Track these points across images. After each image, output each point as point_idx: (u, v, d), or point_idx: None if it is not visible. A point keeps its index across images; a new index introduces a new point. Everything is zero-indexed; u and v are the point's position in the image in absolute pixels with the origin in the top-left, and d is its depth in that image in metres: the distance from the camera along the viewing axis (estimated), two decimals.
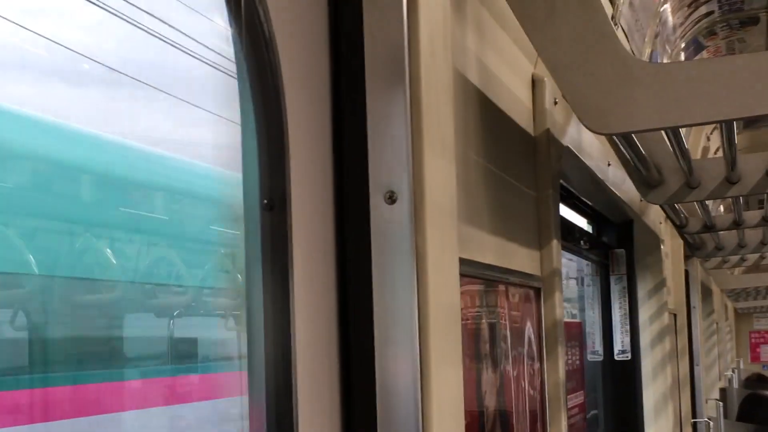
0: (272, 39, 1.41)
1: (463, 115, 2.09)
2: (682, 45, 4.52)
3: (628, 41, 3.43)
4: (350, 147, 1.53)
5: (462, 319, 1.77)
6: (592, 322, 5.15)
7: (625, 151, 3.12)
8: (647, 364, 5.27)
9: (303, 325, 1.42)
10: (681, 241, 6.58)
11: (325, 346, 1.48)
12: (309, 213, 1.47)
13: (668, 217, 5.18)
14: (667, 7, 4.13)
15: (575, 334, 4.51)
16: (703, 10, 4.39)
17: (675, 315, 6.80)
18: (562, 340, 2.85)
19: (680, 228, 5.34)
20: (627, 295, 5.23)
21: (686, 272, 7.60)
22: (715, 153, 6.41)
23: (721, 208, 6.33)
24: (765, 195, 4.85)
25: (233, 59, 1.47)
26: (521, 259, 2.58)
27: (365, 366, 1.49)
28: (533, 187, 2.75)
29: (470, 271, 2.07)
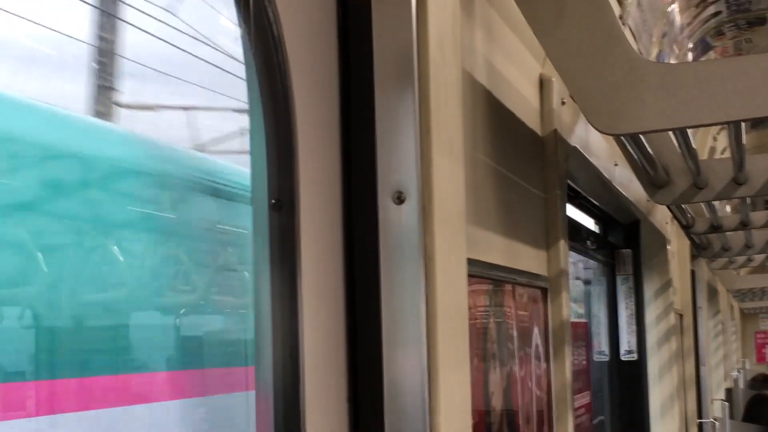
0: (281, 40, 1.41)
1: (471, 115, 2.09)
2: (690, 45, 4.51)
3: (636, 41, 3.42)
4: (359, 147, 1.53)
5: (469, 319, 1.77)
6: (598, 322, 5.14)
7: (632, 152, 3.11)
8: (654, 364, 5.27)
9: (311, 325, 1.42)
10: (687, 242, 6.56)
11: (332, 346, 1.48)
12: (317, 213, 1.47)
13: (675, 217, 5.17)
14: (675, 7, 4.12)
15: (581, 334, 4.51)
16: (711, 10, 4.38)
17: (681, 315, 6.79)
18: (569, 341, 2.85)
19: (687, 228, 5.33)
20: (633, 296, 5.23)
21: (692, 272, 7.59)
22: (722, 153, 6.40)
23: (728, 208, 6.32)
24: None
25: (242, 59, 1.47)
26: (528, 259, 2.58)
27: (373, 366, 1.49)
28: (540, 188, 2.75)
29: (477, 271, 2.07)
